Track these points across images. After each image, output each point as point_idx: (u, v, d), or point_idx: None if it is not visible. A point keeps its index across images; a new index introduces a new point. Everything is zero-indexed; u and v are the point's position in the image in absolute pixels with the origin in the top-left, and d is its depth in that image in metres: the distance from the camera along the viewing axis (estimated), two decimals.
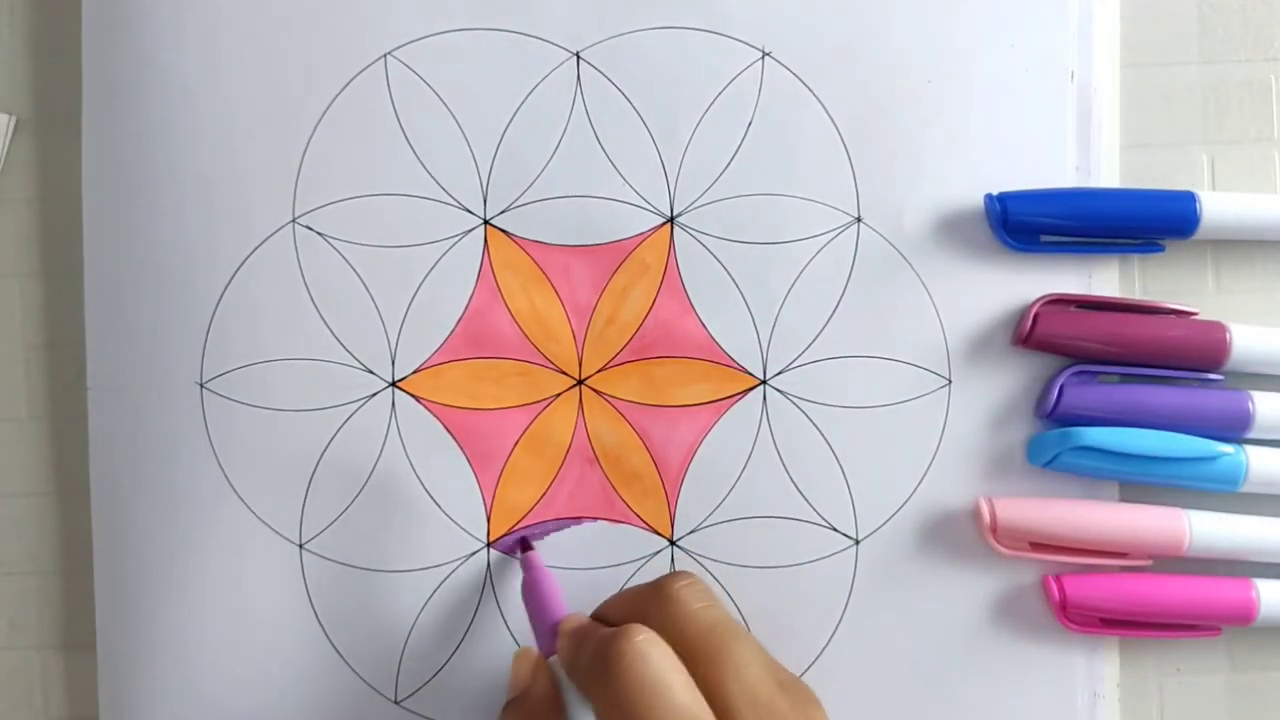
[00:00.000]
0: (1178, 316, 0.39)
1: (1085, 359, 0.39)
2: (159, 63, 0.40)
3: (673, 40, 0.40)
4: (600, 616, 0.35)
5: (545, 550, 0.39)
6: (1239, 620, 0.38)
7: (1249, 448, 0.38)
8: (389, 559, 0.39)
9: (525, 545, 0.39)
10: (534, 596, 0.36)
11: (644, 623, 0.32)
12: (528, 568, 0.38)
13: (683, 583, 0.33)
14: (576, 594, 0.39)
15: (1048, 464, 0.38)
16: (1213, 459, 0.38)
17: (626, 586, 0.39)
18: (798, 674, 0.38)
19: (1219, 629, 0.39)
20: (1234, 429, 0.38)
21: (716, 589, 0.39)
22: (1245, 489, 0.38)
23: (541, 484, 0.39)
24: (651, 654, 0.30)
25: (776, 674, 0.31)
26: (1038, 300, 0.39)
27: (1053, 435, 0.38)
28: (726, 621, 0.32)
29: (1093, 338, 0.38)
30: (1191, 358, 0.38)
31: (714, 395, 0.40)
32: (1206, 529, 0.38)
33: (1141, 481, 0.39)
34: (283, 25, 0.40)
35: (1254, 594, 0.38)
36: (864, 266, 0.40)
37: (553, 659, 0.34)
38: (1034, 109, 0.40)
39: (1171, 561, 0.39)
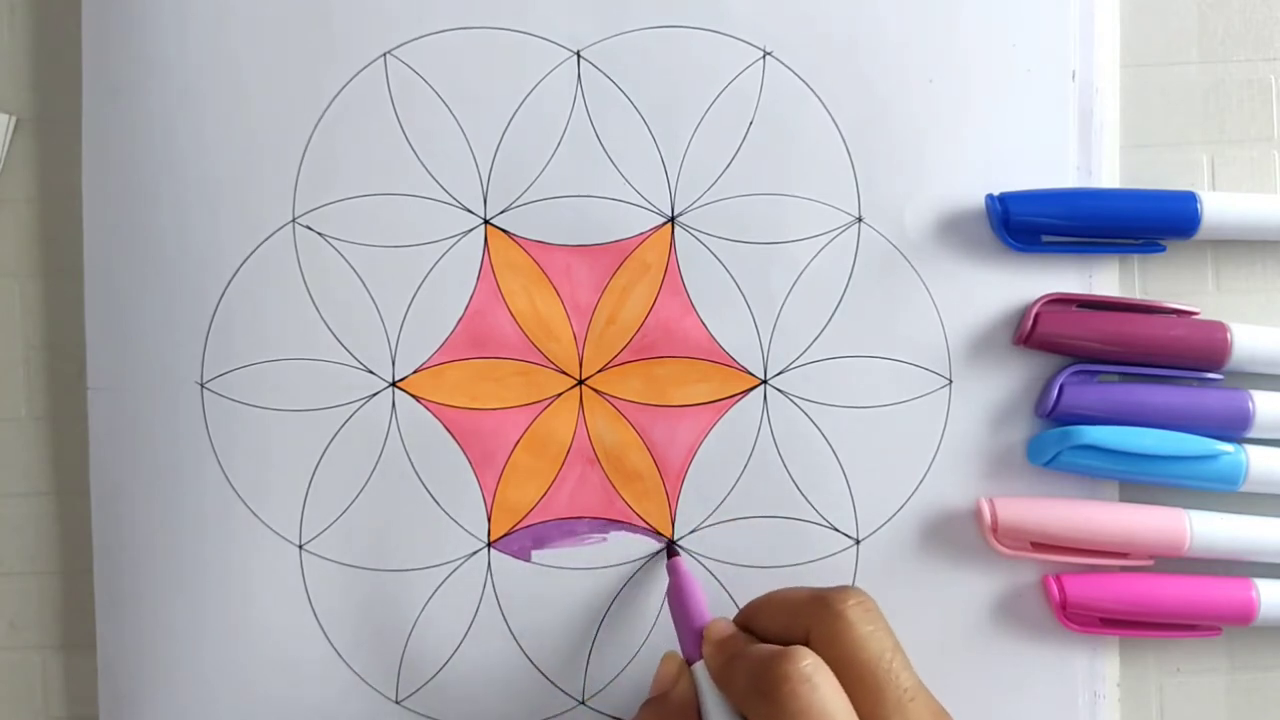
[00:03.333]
0: (1178, 316, 0.39)
1: (1086, 359, 0.39)
2: (159, 63, 0.40)
3: (674, 39, 0.40)
4: (747, 622, 0.34)
5: (537, 548, 0.39)
6: (1239, 620, 0.38)
7: (1249, 447, 0.38)
8: (389, 559, 0.39)
9: (671, 551, 0.39)
10: (680, 603, 0.36)
11: (803, 636, 0.31)
12: (674, 573, 0.37)
13: (853, 601, 0.31)
14: (577, 595, 0.39)
15: (1048, 463, 0.38)
16: (1213, 458, 0.38)
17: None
18: None
19: (1219, 629, 0.39)
20: (1234, 428, 0.38)
21: (716, 588, 0.39)
22: (1245, 489, 0.38)
23: (542, 484, 0.39)
24: (819, 682, 0.29)
25: (932, 706, 0.30)
26: (1039, 300, 0.39)
27: (1053, 434, 0.38)
28: (894, 649, 0.30)
29: (1094, 337, 0.38)
30: (1192, 357, 0.38)
31: (714, 395, 0.40)
32: (1207, 529, 0.38)
33: (1141, 481, 0.39)
34: (282, 25, 0.40)
35: (1254, 594, 0.38)
36: (865, 266, 0.40)
37: (696, 666, 0.33)
38: (1035, 109, 0.40)
39: (1171, 561, 0.39)
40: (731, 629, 0.33)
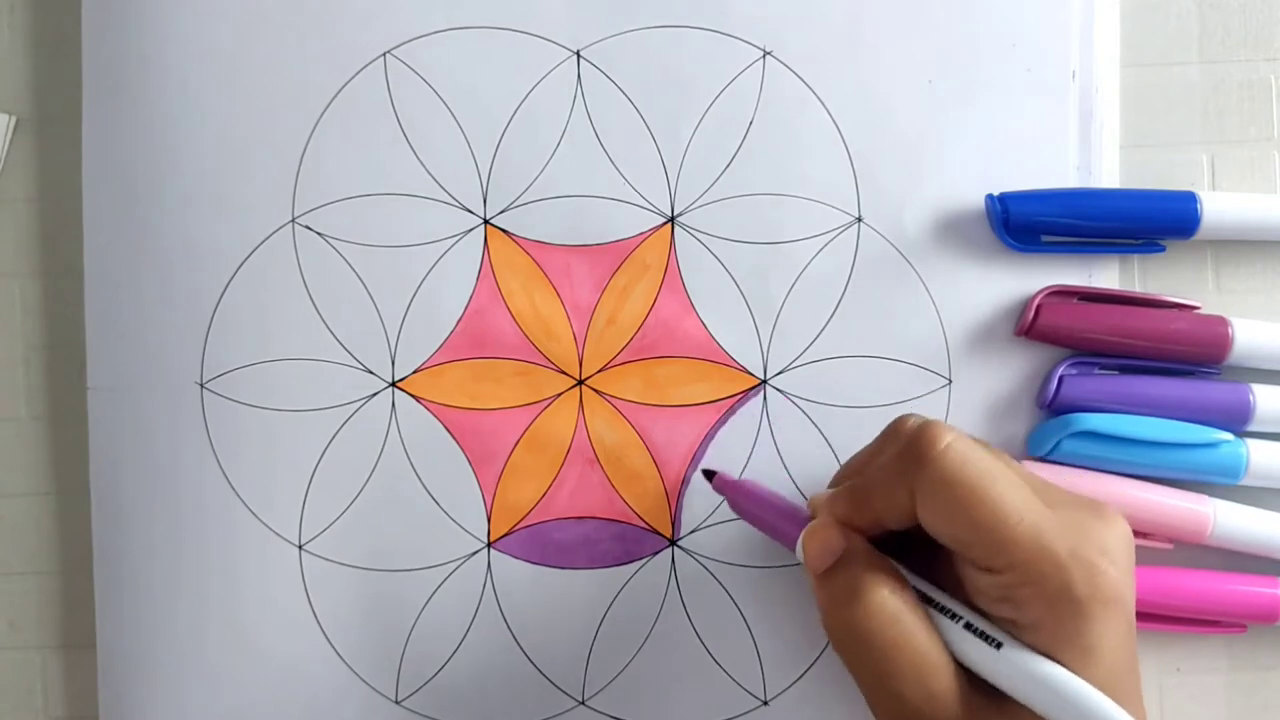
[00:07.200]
0: (1180, 310, 0.39)
1: (1087, 351, 0.39)
2: (159, 62, 0.40)
3: (674, 39, 0.40)
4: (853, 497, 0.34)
5: (539, 546, 0.39)
6: (1264, 618, 0.38)
7: (1249, 441, 0.38)
8: (389, 559, 0.39)
9: (709, 474, 0.38)
10: (757, 506, 0.36)
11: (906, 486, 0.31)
12: (730, 489, 0.37)
13: (944, 444, 0.31)
14: (577, 595, 0.39)
15: (1048, 454, 0.38)
16: (1213, 445, 0.38)
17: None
18: (797, 675, 0.39)
19: (1244, 626, 0.38)
20: (1234, 421, 0.38)
21: (716, 589, 0.39)
22: (1245, 482, 0.38)
23: (542, 484, 0.39)
24: (965, 444, 0.31)
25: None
26: (1040, 291, 0.39)
27: (1053, 423, 0.38)
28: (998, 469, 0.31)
29: (1095, 330, 0.38)
30: (1194, 351, 0.38)
31: (714, 395, 0.40)
32: (1230, 519, 0.38)
33: (1142, 473, 0.39)
34: (282, 24, 0.40)
35: None
36: (864, 266, 0.40)
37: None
38: (1035, 109, 0.40)
39: (1191, 555, 0.38)
40: (828, 491, 0.34)
